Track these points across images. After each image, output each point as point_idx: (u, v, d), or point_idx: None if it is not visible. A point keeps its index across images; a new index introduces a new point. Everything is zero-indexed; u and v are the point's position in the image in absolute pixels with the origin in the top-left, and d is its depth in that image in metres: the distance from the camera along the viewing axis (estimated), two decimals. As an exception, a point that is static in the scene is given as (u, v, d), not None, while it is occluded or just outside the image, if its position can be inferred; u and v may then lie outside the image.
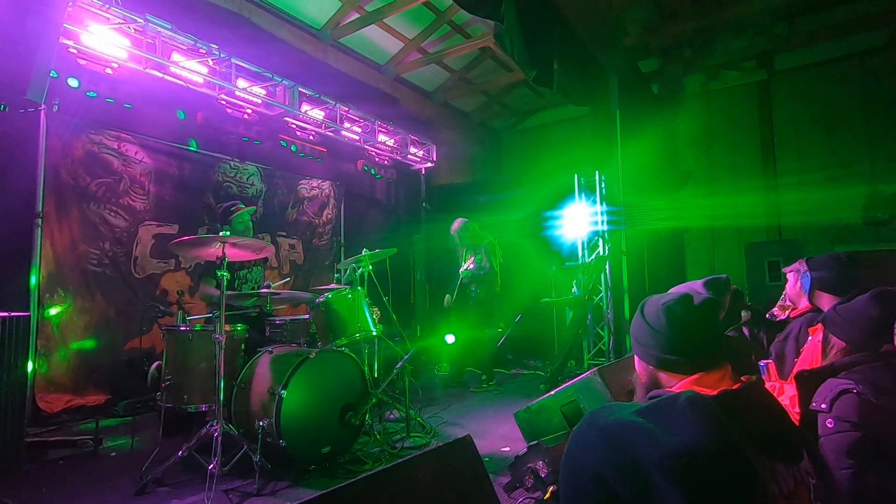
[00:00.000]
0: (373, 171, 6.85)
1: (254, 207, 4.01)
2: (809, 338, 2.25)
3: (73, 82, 3.86)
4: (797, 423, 1.72)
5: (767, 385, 2.26)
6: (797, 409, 1.97)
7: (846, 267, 2.25)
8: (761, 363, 2.34)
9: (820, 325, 2.10)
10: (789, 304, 2.63)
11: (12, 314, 2.85)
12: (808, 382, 1.67)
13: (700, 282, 2.20)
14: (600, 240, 6.17)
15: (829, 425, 1.50)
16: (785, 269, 2.63)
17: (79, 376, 4.21)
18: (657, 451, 0.70)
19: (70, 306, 4.21)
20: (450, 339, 5.16)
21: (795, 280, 2.56)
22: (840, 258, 2.29)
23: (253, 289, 3.67)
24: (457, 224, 5.41)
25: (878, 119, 7.21)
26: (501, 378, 5.93)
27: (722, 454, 0.72)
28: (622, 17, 7.08)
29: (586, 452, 0.80)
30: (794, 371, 2.07)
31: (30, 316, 2.98)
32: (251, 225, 3.87)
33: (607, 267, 6.05)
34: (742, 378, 1.18)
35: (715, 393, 1.08)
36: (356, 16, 6.25)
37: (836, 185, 7.19)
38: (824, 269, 2.29)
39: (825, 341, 1.78)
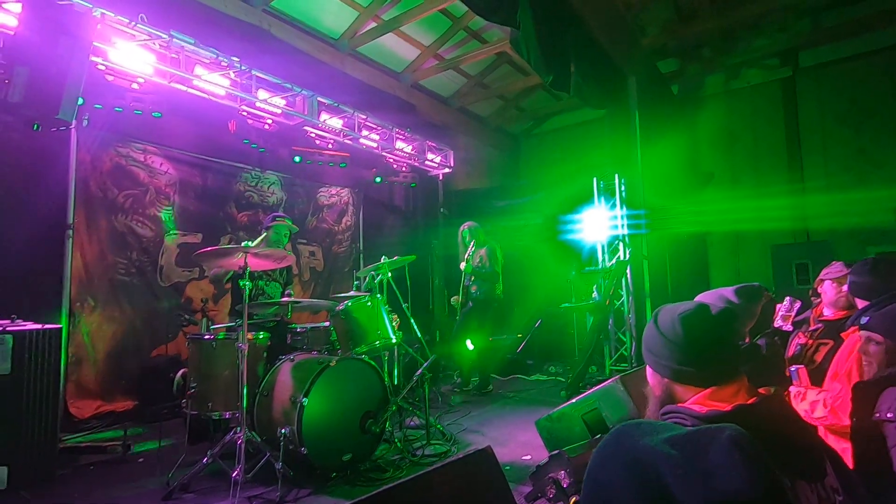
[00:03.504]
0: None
1: (296, 228, 4.16)
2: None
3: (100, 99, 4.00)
4: (818, 433, 1.68)
5: (793, 390, 2.22)
6: (816, 415, 1.94)
7: (873, 271, 2.20)
8: (792, 368, 2.29)
9: (853, 329, 2.06)
10: (788, 313, 2.59)
11: (45, 326, 2.94)
12: (865, 392, 1.66)
13: (731, 289, 2.15)
14: (621, 244, 6.09)
15: None
16: (820, 278, 2.58)
17: (107, 383, 4.32)
18: (695, 495, 0.65)
19: (99, 315, 4.33)
20: (469, 345, 5.14)
21: (832, 287, 2.50)
22: (867, 263, 2.24)
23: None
24: (467, 225, 5.44)
25: (910, 115, 6.97)
26: (521, 384, 5.89)
27: None
28: (640, 18, 7.01)
29: (614, 477, 0.74)
30: (831, 376, 2.02)
31: (61, 328, 3.07)
32: (286, 237, 3.96)
33: (628, 271, 5.96)
34: (760, 390, 1.15)
35: (729, 408, 1.04)
36: (373, 25, 6.32)
37: (865, 184, 6.96)
38: (856, 274, 2.24)
39: (866, 347, 1.75)
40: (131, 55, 3.91)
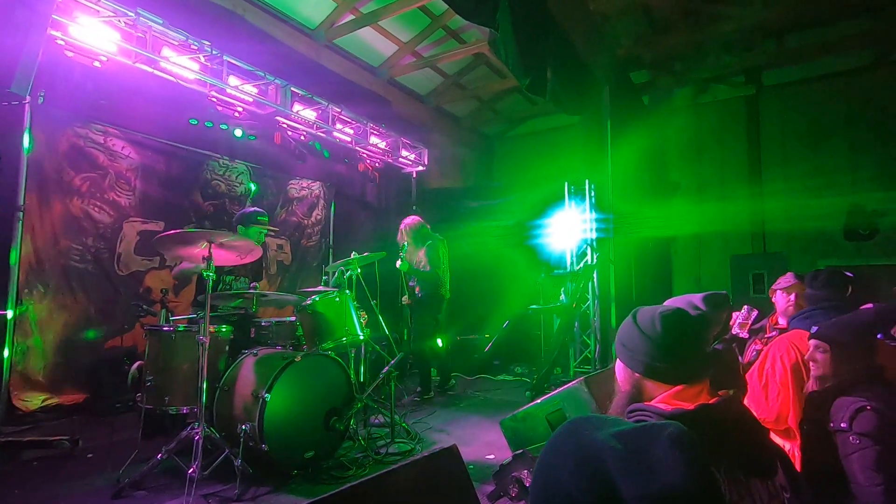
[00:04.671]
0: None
1: (275, 230, 3.99)
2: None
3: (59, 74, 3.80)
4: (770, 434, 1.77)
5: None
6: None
7: (812, 282, 2.35)
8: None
9: (785, 335, 2.20)
10: (745, 321, 2.72)
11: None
12: (817, 402, 1.74)
13: (699, 295, 2.22)
14: (589, 248, 6.21)
15: (854, 442, 1.56)
16: (773, 288, 2.71)
17: (56, 374, 4.11)
18: (636, 487, 0.70)
19: (50, 302, 4.12)
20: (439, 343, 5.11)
21: (782, 297, 2.64)
22: (809, 275, 2.39)
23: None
24: (404, 223, 5.07)
25: (862, 137, 7.37)
26: (487, 385, 5.92)
27: (699, 501, 0.72)
28: (615, 29, 7.17)
29: (562, 467, 0.78)
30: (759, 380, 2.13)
31: (6, 315, 2.89)
32: (262, 241, 3.85)
33: (595, 275, 6.08)
34: (720, 392, 1.20)
35: (692, 407, 1.10)
36: (351, 17, 6.23)
37: (820, 200, 7.34)
38: (810, 286, 2.37)
39: (814, 355, 1.83)
40: (94, 32, 3.74)
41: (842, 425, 1.60)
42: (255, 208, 3.89)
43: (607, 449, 0.74)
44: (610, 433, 0.77)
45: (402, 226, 5.08)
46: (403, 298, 5.13)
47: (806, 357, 1.93)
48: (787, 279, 2.70)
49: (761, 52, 7.58)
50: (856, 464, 1.54)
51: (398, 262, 4.80)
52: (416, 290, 5.02)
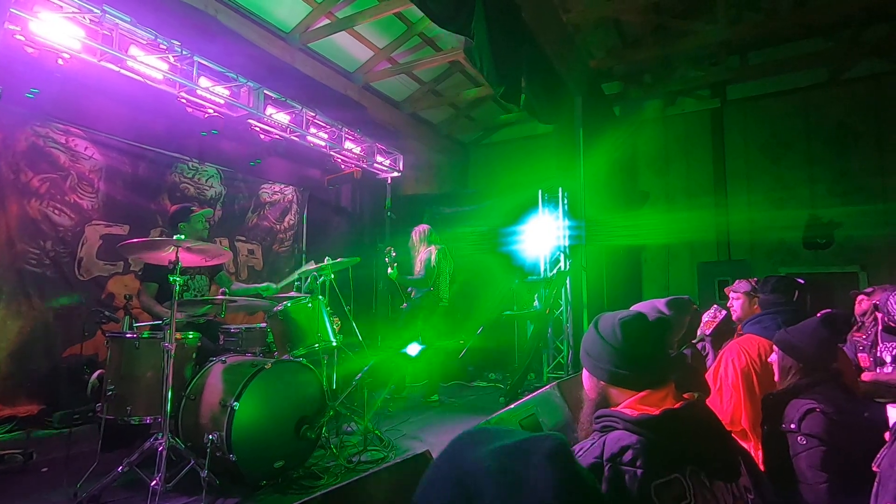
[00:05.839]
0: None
1: (210, 210, 3.93)
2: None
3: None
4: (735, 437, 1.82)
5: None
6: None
7: (762, 289, 2.46)
8: None
9: (736, 340, 2.28)
10: (712, 320, 2.83)
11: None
12: (774, 403, 1.79)
13: (663, 300, 2.27)
14: (562, 255, 6.29)
15: (801, 442, 1.62)
16: (728, 289, 2.83)
17: (9, 384, 3.91)
18: None
19: (3, 309, 3.92)
20: (413, 350, 5.08)
21: (737, 300, 2.76)
22: (766, 282, 2.50)
23: (195, 297, 3.52)
24: (421, 227, 5.43)
25: (819, 151, 7.74)
26: (462, 391, 5.91)
27: None
28: (587, 41, 7.34)
29: (439, 490, 0.72)
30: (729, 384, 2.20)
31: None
32: (208, 227, 3.76)
33: (568, 282, 6.17)
34: (685, 396, 1.22)
35: (658, 412, 1.11)
36: (326, 21, 6.20)
37: (781, 211, 7.66)
38: (761, 292, 2.48)
39: (783, 362, 1.89)
40: (56, 28, 3.60)
41: (792, 426, 1.66)
42: (182, 203, 3.84)
43: (482, 470, 0.70)
44: (490, 449, 0.72)
45: (413, 232, 5.45)
46: (404, 306, 5.38)
47: (769, 360, 1.99)
48: (734, 286, 2.84)
49: (725, 68, 7.90)
50: (803, 463, 1.60)
51: (389, 270, 5.02)
52: (413, 293, 5.27)
